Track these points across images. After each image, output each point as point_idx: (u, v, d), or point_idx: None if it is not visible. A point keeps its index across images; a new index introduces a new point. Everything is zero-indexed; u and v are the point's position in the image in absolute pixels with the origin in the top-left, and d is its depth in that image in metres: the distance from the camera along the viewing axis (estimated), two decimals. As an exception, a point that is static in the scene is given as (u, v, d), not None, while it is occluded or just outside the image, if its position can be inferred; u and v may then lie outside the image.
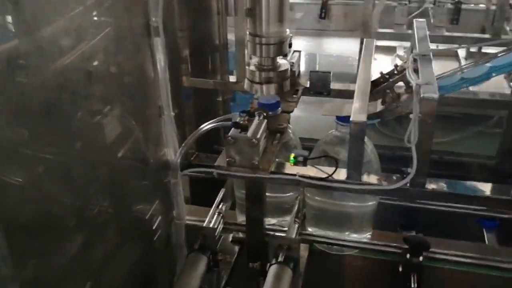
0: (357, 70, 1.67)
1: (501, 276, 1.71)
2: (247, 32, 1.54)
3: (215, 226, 1.61)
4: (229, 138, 1.36)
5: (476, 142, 2.52)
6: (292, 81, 1.83)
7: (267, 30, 1.54)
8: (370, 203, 1.75)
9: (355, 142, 1.32)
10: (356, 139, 1.32)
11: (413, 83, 1.30)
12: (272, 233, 1.57)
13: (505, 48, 1.55)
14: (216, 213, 1.69)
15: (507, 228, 1.94)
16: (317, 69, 4.51)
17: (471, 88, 2.12)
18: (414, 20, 1.79)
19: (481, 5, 4.40)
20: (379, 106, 1.60)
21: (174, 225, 1.58)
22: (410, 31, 4.16)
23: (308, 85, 1.85)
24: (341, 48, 4.95)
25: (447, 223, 1.95)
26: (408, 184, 1.34)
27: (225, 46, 2.22)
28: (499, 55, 1.48)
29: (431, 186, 1.35)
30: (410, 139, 1.26)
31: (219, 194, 1.73)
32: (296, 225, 1.64)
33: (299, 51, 1.94)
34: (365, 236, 1.81)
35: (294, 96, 1.78)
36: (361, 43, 3.55)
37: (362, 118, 1.30)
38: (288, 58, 1.83)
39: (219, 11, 2.12)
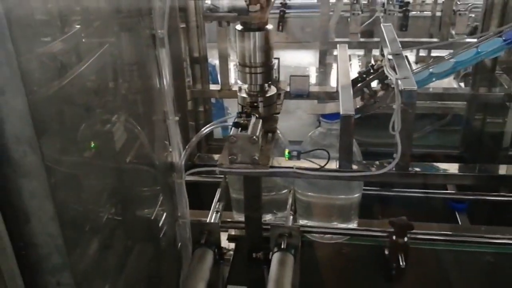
0: (337, 74, 1.84)
1: (476, 251, 1.91)
2: (237, 63, 1.68)
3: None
4: (232, 137, 1.48)
5: (438, 137, 2.74)
6: (274, 86, 1.98)
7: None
8: (356, 194, 1.91)
9: (345, 134, 1.48)
10: (346, 131, 1.47)
11: (393, 78, 1.47)
12: (272, 224, 1.69)
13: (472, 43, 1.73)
14: (215, 212, 1.81)
15: (475, 209, 2.15)
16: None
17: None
18: (381, 24, 1.97)
19: (426, 12, 4.73)
20: (358, 103, 1.77)
21: (178, 224, 1.67)
22: (363, 39, 4.41)
23: (288, 89, 2.01)
24: (298, 59, 5.17)
25: (423, 210, 2.14)
26: (394, 168, 1.50)
27: (205, 58, 2.36)
28: (460, 52, 1.68)
29: (414, 169, 1.51)
30: (394, 128, 1.43)
31: (216, 194, 1.85)
32: (291, 217, 1.78)
33: (278, 58, 2.09)
34: (352, 226, 1.97)
35: (278, 99, 1.93)
36: (320, 53, 3.76)
37: (351, 112, 1.46)
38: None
39: (198, 24, 2.26)
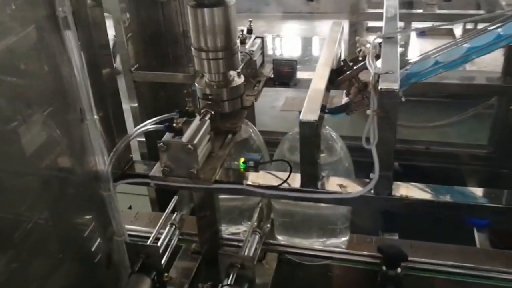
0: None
1: (495, 285, 1.51)
2: (192, 48, 1.33)
3: (166, 240, 1.43)
4: (162, 144, 1.16)
5: (465, 128, 2.29)
6: (253, 72, 1.63)
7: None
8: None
9: (306, 145, 1.12)
10: (307, 142, 1.12)
11: (371, 70, 1.09)
12: (224, 250, 1.37)
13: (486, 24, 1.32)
14: (169, 225, 1.51)
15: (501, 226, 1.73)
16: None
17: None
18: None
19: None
20: (344, 98, 1.39)
21: (115, 242, 1.39)
22: (401, 10, 3.94)
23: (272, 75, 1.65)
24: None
25: (433, 223, 1.74)
26: (372, 191, 1.13)
27: (186, 35, 2.02)
28: (477, 34, 1.26)
29: (400, 192, 1.14)
30: (370, 140, 1.06)
31: (171, 202, 1.54)
32: (257, 236, 1.45)
33: (262, 37, 1.73)
34: (342, 241, 1.62)
35: (256, 87, 1.59)
36: (350, 26, 3.36)
37: (313, 117, 1.10)
38: (248, 45, 1.63)
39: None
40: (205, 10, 1.25)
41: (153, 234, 1.42)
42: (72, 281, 1.31)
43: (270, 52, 5.42)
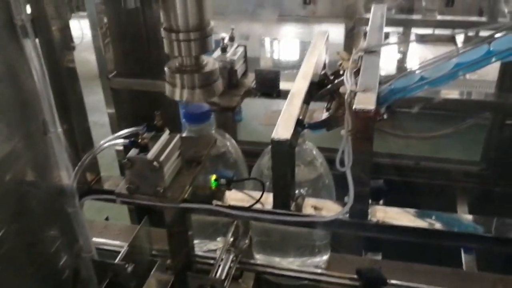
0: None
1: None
2: (161, 28, 1.25)
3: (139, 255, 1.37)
4: (127, 161, 1.10)
5: (458, 143, 2.22)
6: (234, 82, 1.57)
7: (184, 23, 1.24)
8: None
9: (278, 165, 1.06)
10: (280, 161, 1.05)
11: (347, 87, 1.02)
12: (196, 270, 1.31)
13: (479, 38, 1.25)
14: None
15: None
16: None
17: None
18: (372, 5, 1.50)
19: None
20: (324, 113, 1.33)
21: (82, 260, 1.33)
22: (399, 16, 3.88)
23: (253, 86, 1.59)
24: (333, 34, 4.67)
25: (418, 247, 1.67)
26: (347, 215, 1.07)
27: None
28: (466, 49, 1.19)
29: (376, 216, 1.07)
30: (344, 162, 1.00)
31: (143, 221, 1.48)
32: (231, 256, 1.38)
33: (244, 46, 1.66)
34: (322, 260, 1.55)
35: (235, 98, 1.53)
36: (346, 31, 3.30)
37: (286, 135, 1.03)
38: (229, 54, 1.57)
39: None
40: None
41: (123, 251, 1.36)
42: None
43: (267, 55, 5.38)
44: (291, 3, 4.39)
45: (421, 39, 4.28)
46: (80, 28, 2.07)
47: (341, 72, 1.28)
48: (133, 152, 1.11)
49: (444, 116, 2.32)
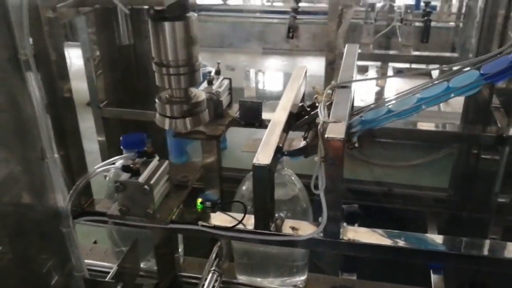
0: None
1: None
2: (152, 62, 1.36)
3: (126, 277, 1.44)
4: (118, 184, 1.19)
5: (429, 171, 2.36)
6: (219, 112, 1.68)
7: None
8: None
9: (259, 188, 1.16)
10: (260, 185, 1.15)
11: (321, 118, 1.14)
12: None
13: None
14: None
15: (454, 269, 1.77)
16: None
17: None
18: (346, 45, 1.63)
19: (451, 23, 4.30)
20: (302, 142, 1.44)
21: (74, 279, 1.40)
22: (377, 51, 4.05)
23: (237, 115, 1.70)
24: (315, 67, 4.84)
25: (391, 263, 1.77)
26: (322, 234, 1.17)
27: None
28: (428, 85, 1.32)
29: (348, 236, 1.17)
30: (318, 185, 1.10)
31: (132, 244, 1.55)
32: (215, 275, 1.47)
33: (229, 79, 1.78)
34: (300, 280, 1.64)
35: (220, 127, 1.63)
36: (327, 63, 3.45)
37: (266, 161, 1.14)
38: (215, 86, 1.68)
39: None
40: (166, 23, 1.23)
41: (112, 270, 1.43)
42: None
43: (252, 86, 5.53)
44: (276, 37, 4.56)
45: (397, 73, 4.47)
46: (69, 57, 2.17)
47: (317, 105, 1.40)
48: (124, 176, 1.21)
49: (419, 146, 2.45)
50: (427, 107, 1.32)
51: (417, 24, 3.95)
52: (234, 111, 1.73)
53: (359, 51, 3.93)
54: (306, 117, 1.40)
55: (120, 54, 1.92)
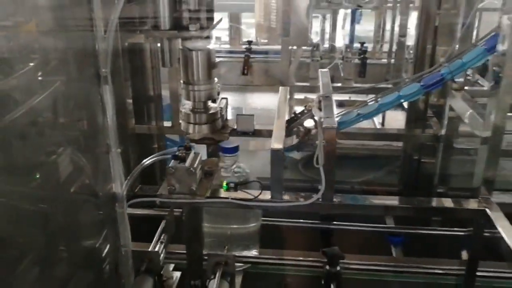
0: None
1: (407, 281, 2.02)
2: (181, 81, 1.80)
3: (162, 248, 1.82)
4: (170, 168, 1.60)
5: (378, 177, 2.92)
6: (222, 123, 2.12)
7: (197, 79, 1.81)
8: (252, 224, 2.07)
9: (275, 167, 1.61)
10: (276, 164, 1.60)
11: (317, 117, 1.62)
12: (209, 252, 1.78)
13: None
14: (159, 242, 1.89)
15: (410, 242, 2.28)
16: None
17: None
18: (319, 70, 2.14)
19: (384, 60, 5.00)
20: (294, 140, 1.91)
21: (121, 252, 1.75)
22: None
23: (235, 127, 2.14)
24: (264, 101, 5.37)
25: (362, 243, 2.26)
26: (320, 199, 1.63)
27: (159, 97, 2.49)
28: (385, 95, 1.85)
29: (337, 199, 1.64)
30: (318, 162, 1.57)
31: (160, 225, 1.94)
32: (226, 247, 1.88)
33: (226, 98, 2.23)
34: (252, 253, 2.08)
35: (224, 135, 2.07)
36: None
37: (279, 146, 1.60)
38: (217, 104, 2.13)
39: (153, 66, 2.40)
40: (193, 52, 1.70)
41: (151, 246, 1.81)
42: (85, 284, 1.65)
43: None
44: (231, 74, 5.06)
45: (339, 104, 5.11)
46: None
47: (305, 111, 1.89)
48: (173, 162, 1.61)
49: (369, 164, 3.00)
50: (385, 110, 1.86)
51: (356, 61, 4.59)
52: (232, 123, 2.18)
53: (308, 84, 4.52)
54: (298, 120, 1.88)
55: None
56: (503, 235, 1.44)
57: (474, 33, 2.35)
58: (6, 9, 1.20)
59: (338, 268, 1.87)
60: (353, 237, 2.30)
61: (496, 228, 1.50)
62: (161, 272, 1.77)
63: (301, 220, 2.22)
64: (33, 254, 1.34)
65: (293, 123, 1.92)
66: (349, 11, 5.98)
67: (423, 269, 1.97)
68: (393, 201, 1.73)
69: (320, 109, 1.74)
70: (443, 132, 2.22)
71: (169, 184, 1.62)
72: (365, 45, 4.89)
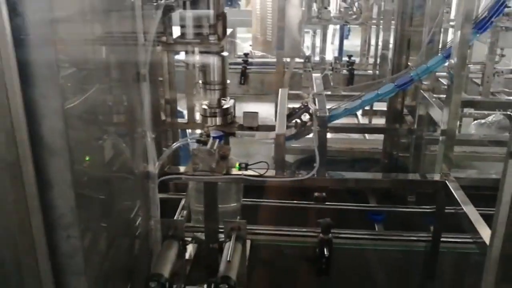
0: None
1: (386, 249, 2.42)
2: (200, 82, 2.21)
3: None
4: (195, 150, 1.99)
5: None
6: (232, 119, 2.52)
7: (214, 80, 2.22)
8: (233, 204, 2.45)
9: (278, 148, 2.01)
10: (279, 147, 2.00)
11: (312, 109, 2.03)
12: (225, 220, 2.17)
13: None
14: (180, 216, 2.28)
15: (390, 220, 2.68)
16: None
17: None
18: (313, 75, 2.56)
19: (369, 71, 5.45)
20: (293, 130, 2.32)
21: (151, 222, 2.12)
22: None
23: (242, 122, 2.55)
24: (259, 108, 5.78)
25: (349, 221, 2.65)
26: (315, 175, 2.02)
27: (174, 100, 2.90)
28: (366, 93, 2.26)
29: (330, 175, 2.04)
30: (314, 144, 1.97)
31: (180, 203, 2.32)
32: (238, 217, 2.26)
33: (234, 99, 2.64)
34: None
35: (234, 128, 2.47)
36: (276, 104, 4.37)
37: (282, 131, 2.00)
38: (228, 104, 2.53)
39: (170, 71, 2.81)
40: (211, 58, 2.13)
41: (177, 213, 2.19)
42: (122, 249, 2.01)
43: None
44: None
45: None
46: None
47: (301, 107, 2.30)
48: (197, 146, 2.01)
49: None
50: (367, 104, 2.27)
51: (344, 72, 5.03)
52: (238, 120, 2.58)
53: (301, 92, 4.94)
54: (296, 114, 2.29)
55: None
56: (459, 200, 1.84)
57: (440, 45, 2.77)
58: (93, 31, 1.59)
59: (330, 235, 2.27)
60: (340, 215, 2.69)
61: (454, 196, 1.90)
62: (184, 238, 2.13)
63: (295, 201, 2.62)
64: (84, 224, 1.69)
65: (291, 117, 2.32)
66: (338, 27, 6.48)
67: (399, 237, 2.38)
68: (374, 176, 2.13)
69: (314, 103, 2.14)
70: (415, 126, 2.64)
71: (193, 163, 2.01)
72: (352, 57, 5.36)
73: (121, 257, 1.89)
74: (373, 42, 5.66)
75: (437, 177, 2.04)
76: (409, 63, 2.68)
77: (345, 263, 2.38)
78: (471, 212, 1.71)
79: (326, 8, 5.58)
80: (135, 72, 1.91)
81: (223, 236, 2.11)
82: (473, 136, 3.29)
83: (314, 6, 5.33)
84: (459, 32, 1.92)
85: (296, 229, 2.38)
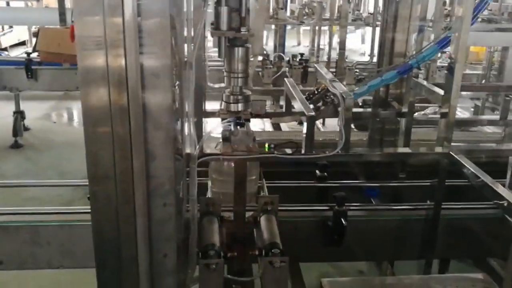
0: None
1: (382, 219, 2.73)
2: (224, 70, 2.39)
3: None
4: (234, 131, 2.17)
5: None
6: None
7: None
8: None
9: (309, 129, 2.24)
10: (309, 127, 2.24)
11: (337, 92, 2.29)
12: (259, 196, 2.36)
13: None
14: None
15: (385, 194, 3.00)
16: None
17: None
18: (315, 65, 2.82)
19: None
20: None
21: (190, 199, 2.26)
22: (274, 88, 5.31)
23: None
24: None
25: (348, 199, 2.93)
26: (339, 151, 2.28)
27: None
28: (372, 79, 2.57)
29: (353, 151, 2.31)
30: (340, 122, 2.23)
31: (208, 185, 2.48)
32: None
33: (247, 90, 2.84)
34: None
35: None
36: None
37: (312, 113, 2.24)
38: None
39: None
40: (235, 48, 2.32)
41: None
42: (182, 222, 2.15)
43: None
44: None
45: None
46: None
47: (319, 90, 2.54)
48: (234, 127, 2.19)
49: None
50: (374, 89, 2.58)
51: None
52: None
53: (262, 88, 5.25)
54: (318, 95, 2.53)
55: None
56: (467, 166, 2.18)
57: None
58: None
59: (344, 207, 2.53)
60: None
61: (460, 164, 2.23)
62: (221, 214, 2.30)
63: (302, 181, 2.86)
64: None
65: (312, 98, 2.56)
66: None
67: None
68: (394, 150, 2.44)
69: (334, 87, 2.41)
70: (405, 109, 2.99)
71: (232, 143, 2.19)
72: (304, 55, 5.75)
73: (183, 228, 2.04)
74: (325, 42, 6.11)
75: (439, 149, 2.37)
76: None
77: (355, 234, 2.65)
78: (485, 177, 2.04)
79: (282, 8, 5.93)
80: (183, 60, 2.07)
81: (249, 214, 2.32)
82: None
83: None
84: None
85: (305, 206, 2.61)
